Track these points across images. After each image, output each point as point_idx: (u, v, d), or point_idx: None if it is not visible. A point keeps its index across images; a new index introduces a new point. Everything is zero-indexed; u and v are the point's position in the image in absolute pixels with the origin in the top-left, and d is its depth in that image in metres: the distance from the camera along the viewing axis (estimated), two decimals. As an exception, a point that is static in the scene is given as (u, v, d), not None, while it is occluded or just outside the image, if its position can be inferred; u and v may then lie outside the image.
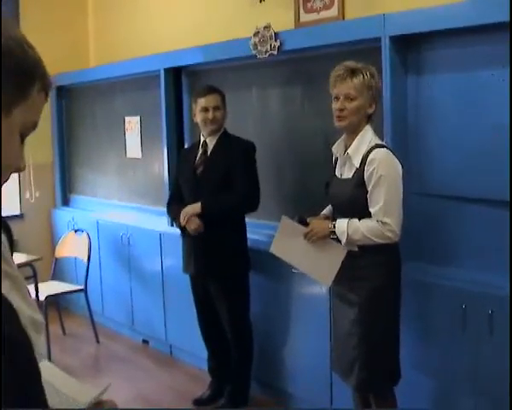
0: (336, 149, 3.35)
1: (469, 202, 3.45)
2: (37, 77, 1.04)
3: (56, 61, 5.91)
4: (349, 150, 3.23)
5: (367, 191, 3.14)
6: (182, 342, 5.23)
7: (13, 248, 1.28)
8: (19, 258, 5.29)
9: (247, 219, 4.29)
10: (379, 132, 3.41)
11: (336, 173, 3.36)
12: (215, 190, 4.17)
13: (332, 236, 3.23)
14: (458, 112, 3.44)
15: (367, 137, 3.20)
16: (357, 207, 3.17)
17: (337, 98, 3.20)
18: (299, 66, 4.34)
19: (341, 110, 3.17)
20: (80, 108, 6.61)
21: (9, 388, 0.86)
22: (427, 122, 3.59)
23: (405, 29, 3.52)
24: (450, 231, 3.56)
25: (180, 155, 4.75)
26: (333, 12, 4.30)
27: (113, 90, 6.07)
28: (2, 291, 0.92)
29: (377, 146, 3.16)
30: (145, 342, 5.77)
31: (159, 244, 5.32)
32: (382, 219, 3.08)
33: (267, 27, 4.25)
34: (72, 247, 6.09)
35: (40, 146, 6.39)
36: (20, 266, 5.13)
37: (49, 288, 5.66)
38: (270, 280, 4.40)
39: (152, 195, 5.72)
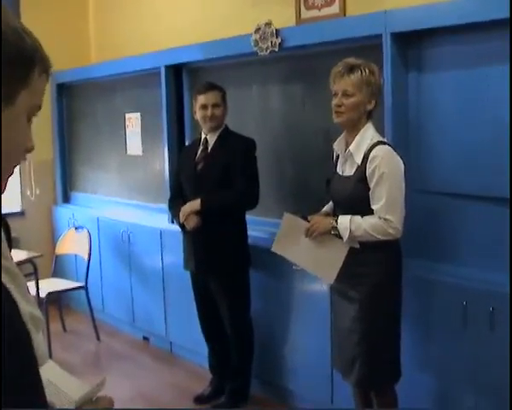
0: (337, 146, 3.35)
1: (471, 199, 3.45)
2: (37, 61, 1.03)
3: (57, 59, 5.82)
4: (350, 147, 3.22)
5: (368, 188, 3.13)
6: (182, 339, 5.23)
7: (11, 244, 1.27)
8: (19, 255, 5.29)
9: (247, 216, 4.29)
10: (380, 129, 3.41)
11: (337, 170, 3.36)
12: (215, 187, 4.16)
13: (333, 231, 3.22)
14: (459, 109, 3.43)
15: (368, 134, 3.20)
16: (359, 204, 3.17)
17: (336, 94, 3.22)
18: (300, 63, 4.33)
19: (339, 106, 3.19)
20: (81, 105, 6.61)
21: (8, 385, 0.85)
22: (429, 119, 3.58)
23: (407, 26, 3.52)
24: (452, 228, 3.56)
25: (181, 152, 4.75)
26: (334, 9, 4.29)
27: (114, 87, 6.07)
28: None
29: (379, 143, 3.16)
30: (145, 339, 5.77)
31: (159, 241, 5.32)
32: (385, 216, 3.08)
33: (268, 24, 4.25)
34: (72, 244, 6.09)
35: (41, 143, 6.36)
36: (21, 262, 5.13)
37: (49, 285, 5.66)
38: (271, 277, 4.39)
39: (152, 192, 5.71)
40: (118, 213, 6.00)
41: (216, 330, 4.44)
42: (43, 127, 6.22)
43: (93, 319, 5.78)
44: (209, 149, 4.25)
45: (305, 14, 4.46)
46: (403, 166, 3.17)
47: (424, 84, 3.59)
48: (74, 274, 6.19)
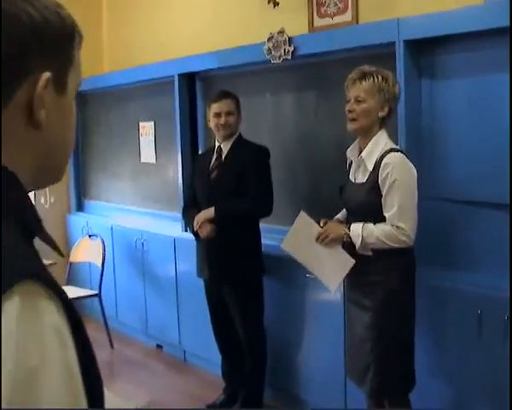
0: (350, 152, 3.36)
1: (484, 206, 3.43)
2: (76, 35, 0.99)
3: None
4: (363, 154, 3.23)
5: (381, 195, 3.13)
6: (195, 347, 5.23)
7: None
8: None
9: (260, 224, 4.29)
10: (393, 136, 3.40)
11: (350, 177, 3.36)
12: (229, 195, 4.17)
13: (346, 238, 3.22)
14: (472, 116, 3.42)
15: (381, 141, 3.20)
16: (371, 211, 3.16)
17: (349, 101, 3.24)
18: (312, 71, 4.33)
19: (350, 112, 3.21)
20: (94, 113, 6.64)
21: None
22: (442, 126, 3.58)
23: (419, 33, 3.51)
24: (466, 235, 3.54)
25: (195, 160, 4.76)
26: (347, 17, 4.29)
27: (128, 95, 6.09)
28: None
29: (391, 150, 3.16)
30: (159, 347, 5.77)
31: (173, 249, 5.32)
32: (397, 224, 3.08)
33: (281, 32, 4.26)
34: (86, 252, 6.11)
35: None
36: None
37: (63, 293, 5.66)
38: (284, 285, 4.39)
39: (166, 200, 5.73)
40: (131, 222, 6.02)
41: (229, 338, 4.44)
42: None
43: (107, 327, 5.79)
44: (223, 157, 4.26)
45: (318, 22, 4.46)
46: (415, 173, 3.16)
47: (437, 92, 3.58)
48: (88, 282, 6.21)
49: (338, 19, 4.34)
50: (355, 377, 3.38)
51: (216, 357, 4.61)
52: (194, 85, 5.31)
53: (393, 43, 3.60)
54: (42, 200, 6.66)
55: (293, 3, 4.58)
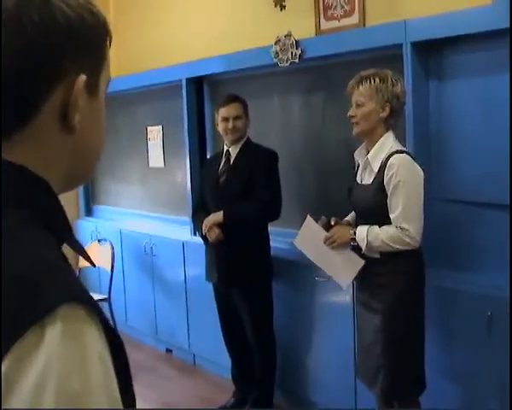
0: (358, 154, 3.38)
1: (493, 207, 3.43)
2: (108, 33, 0.95)
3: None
4: (369, 155, 3.25)
5: (387, 197, 3.14)
6: (205, 350, 5.23)
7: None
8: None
9: (269, 227, 4.29)
10: (401, 138, 3.40)
11: (357, 179, 3.37)
12: (238, 199, 4.18)
13: (352, 243, 3.24)
14: (481, 117, 3.42)
15: (388, 142, 3.21)
16: (379, 212, 3.17)
17: (352, 107, 3.28)
18: (320, 73, 4.34)
19: (352, 117, 3.27)
20: (103, 118, 6.64)
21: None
22: (450, 128, 3.57)
23: (427, 35, 3.51)
24: (475, 236, 3.53)
25: (204, 165, 4.77)
26: (354, 19, 4.28)
27: (136, 100, 6.11)
28: None
29: (397, 152, 3.16)
30: (168, 351, 5.78)
31: (182, 254, 5.33)
32: (401, 225, 3.08)
33: (288, 35, 4.26)
34: (95, 257, 6.11)
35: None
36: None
37: (73, 298, 5.68)
38: (293, 288, 4.38)
39: (175, 204, 5.74)
40: (140, 226, 6.03)
41: (239, 342, 4.44)
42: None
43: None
44: (231, 161, 4.27)
45: (325, 24, 4.46)
46: (422, 174, 3.16)
47: (445, 93, 3.57)
48: (97, 287, 6.21)
49: (345, 21, 4.34)
50: (365, 379, 3.38)
51: (225, 360, 4.61)
52: (201, 89, 5.32)
53: (401, 45, 3.60)
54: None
55: (300, 6, 4.58)
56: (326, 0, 4.44)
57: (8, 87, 0.83)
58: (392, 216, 3.13)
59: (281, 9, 4.58)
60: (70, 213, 6.83)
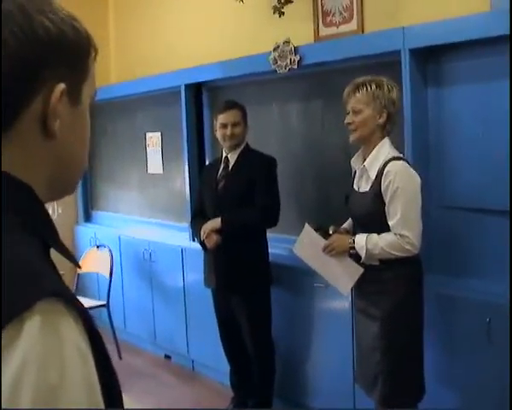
0: (355, 162, 3.38)
1: (492, 213, 3.43)
2: (92, 48, 1.00)
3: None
4: (365, 163, 3.25)
5: (385, 204, 3.14)
6: (204, 357, 5.23)
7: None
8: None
9: (268, 234, 4.29)
10: (399, 145, 3.40)
11: (354, 186, 3.37)
12: (236, 205, 4.18)
13: (351, 251, 3.25)
14: (479, 123, 3.42)
15: (384, 149, 3.22)
16: (376, 219, 3.17)
17: (348, 113, 3.30)
18: (319, 80, 4.34)
19: (349, 124, 3.27)
20: (102, 124, 6.65)
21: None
22: (448, 134, 3.57)
23: (425, 41, 3.52)
24: (474, 243, 3.53)
25: (203, 171, 4.78)
26: (352, 26, 4.30)
27: (135, 106, 6.12)
28: None
29: (394, 159, 3.17)
30: (167, 357, 5.77)
31: (180, 260, 5.33)
32: (401, 232, 3.09)
33: (287, 42, 4.27)
34: (94, 262, 6.12)
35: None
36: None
37: (71, 304, 5.67)
38: (292, 294, 4.38)
39: (173, 210, 5.74)
40: (139, 232, 6.03)
41: (237, 348, 4.44)
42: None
43: (115, 338, 5.79)
44: (230, 167, 4.27)
45: (324, 31, 4.48)
46: (419, 180, 3.17)
47: (443, 100, 3.58)
48: (96, 293, 6.22)
49: (343, 28, 4.35)
50: (364, 385, 3.38)
51: (224, 366, 4.60)
52: (200, 96, 5.33)
53: (399, 51, 3.60)
54: (49, 211, 6.58)
55: (299, 13, 4.59)
56: (325, 6, 4.45)
57: None
58: (390, 223, 3.13)
59: (279, 16, 4.59)
60: (69, 218, 6.87)
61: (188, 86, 5.25)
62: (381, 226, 3.15)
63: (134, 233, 6.07)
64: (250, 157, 4.26)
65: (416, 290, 3.24)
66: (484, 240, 3.48)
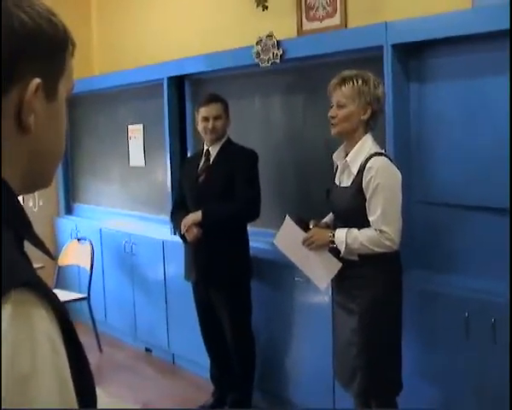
0: (336, 156, 3.38)
1: (473, 209, 3.45)
2: (69, 42, 1.01)
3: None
4: (347, 158, 3.25)
5: (365, 199, 3.14)
6: (184, 350, 5.23)
7: None
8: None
9: (248, 227, 4.29)
10: (381, 141, 3.41)
11: (335, 181, 3.37)
12: (217, 199, 4.17)
13: (331, 245, 3.25)
14: (461, 119, 3.44)
15: (366, 145, 3.22)
16: (357, 215, 3.18)
17: (332, 107, 3.28)
18: (301, 74, 4.34)
19: (333, 117, 3.25)
20: (83, 116, 6.62)
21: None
22: (430, 130, 3.59)
23: (408, 37, 3.53)
24: (454, 239, 3.55)
25: (184, 164, 4.76)
26: (335, 20, 4.31)
27: (117, 98, 6.09)
28: None
29: (376, 154, 3.17)
30: (148, 350, 5.76)
31: (161, 253, 5.32)
32: (381, 228, 3.09)
33: (270, 36, 4.26)
34: (75, 255, 6.10)
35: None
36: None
37: (51, 296, 5.65)
38: (272, 288, 4.39)
39: (155, 203, 5.72)
40: (120, 225, 6.00)
41: (217, 341, 4.43)
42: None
43: (95, 331, 5.78)
44: (211, 160, 4.26)
45: (307, 25, 4.48)
46: (400, 177, 3.18)
47: (425, 95, 3.59)
48: (77, 285, 6.19)
49: (327, 22, 4.36)
50: (342, 381, 3.39)
51: (205, 360, 4.60)
52: (183, 88, 5.31)
53: (381, 46, 3.61)
54: (30, 203, 6.64)
55: (282, 7, 4.59)
56: (308, 1, 4.46)
57: None
58: (371, 219, 3.14)
59: (263, 10, 4.59)
60: (50, 211, 6.83)
61: (170, 79, 5.23)
62: (362, 221, 3.15)
63: (115, 226, 6.05)
64: (231, 151, 4.25)
65: (395, 286, 3.25)
66: (463, 235, 3.50)
